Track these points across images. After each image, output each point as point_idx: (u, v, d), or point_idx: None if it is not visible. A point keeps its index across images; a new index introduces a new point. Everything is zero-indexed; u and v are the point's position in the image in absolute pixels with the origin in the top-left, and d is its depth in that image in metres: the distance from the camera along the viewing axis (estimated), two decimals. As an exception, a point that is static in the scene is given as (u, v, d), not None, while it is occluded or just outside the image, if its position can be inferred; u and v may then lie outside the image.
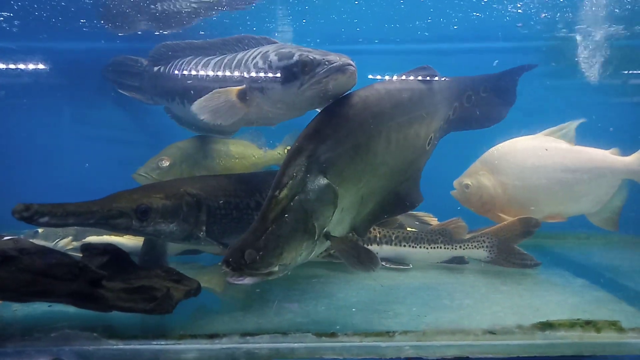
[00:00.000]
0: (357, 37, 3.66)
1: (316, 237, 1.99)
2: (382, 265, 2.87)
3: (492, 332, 1.92)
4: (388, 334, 1.92)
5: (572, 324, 1.95)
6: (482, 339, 1.90)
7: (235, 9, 3.09)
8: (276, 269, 1.91)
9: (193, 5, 3.02)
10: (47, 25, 3.31)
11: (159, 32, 3.25)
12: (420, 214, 3.19)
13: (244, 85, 2.42)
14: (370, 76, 3.44)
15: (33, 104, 3.63)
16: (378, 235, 2.91)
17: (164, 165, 3.14)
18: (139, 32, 3.39)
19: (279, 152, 3.51)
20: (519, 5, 3.16)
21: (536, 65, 2.90)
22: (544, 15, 3.15)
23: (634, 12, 3.17)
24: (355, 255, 2.10)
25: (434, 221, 3.14)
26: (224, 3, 3.00)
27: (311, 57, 2.17)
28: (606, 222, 2.99)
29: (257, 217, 1.96)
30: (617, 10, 3.11)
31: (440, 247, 2.90)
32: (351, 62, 2.13)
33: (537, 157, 2.90)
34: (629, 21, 3.27)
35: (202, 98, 2.46)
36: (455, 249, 2.90)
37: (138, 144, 3.75)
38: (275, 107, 2.37)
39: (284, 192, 1.94)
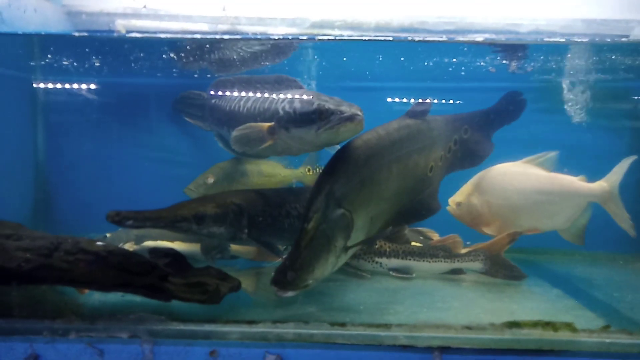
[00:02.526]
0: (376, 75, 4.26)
1: (338, 254, 2.60)
2: (390, 274, 3.40)
3: (468, 328, 2.39)
4: (386, 325, 2.42)
5: (534, 324, 2.41)
6: (460, 333, 2.37)
7: (274, 63, 3.69)
8: (310, 282, 2.53)
9: (243, 55, 3.62)
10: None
11: (216, 74, 3.85)
12: (423, 229, 3.71)
13: (274, 123, 2.99)
14: (389, 99, 4.05)
15: (110, 130, 4.31)
16: (388, 249, 3.42)
17: (209, 181, 3.79)
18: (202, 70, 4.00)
19: (301, 171, 4.12)
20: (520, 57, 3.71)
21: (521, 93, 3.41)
22: (530, 67, 3.70)
23: (613, 62, 3.68)
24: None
25: (435, 236, 3.65)
26: (264, 58, 3.61)
27: (327, 107, 2.71)
28: (574, 237, 3.50)
29: (293, 245, 2.58)
30: (597, 60, 3.64)
31: (441, 261, 3.39)
32: (359, 112, 2.66)
33: (518, 181, 3.43)
34: (608, 70, 3.79)
35: (239, 127, 3.07)
36: (454, 262, 3.38)
37: (190, 164, 4.39)
38: (297, 143, 2.95)
39: (311, 224, 2.53)
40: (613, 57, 3.70)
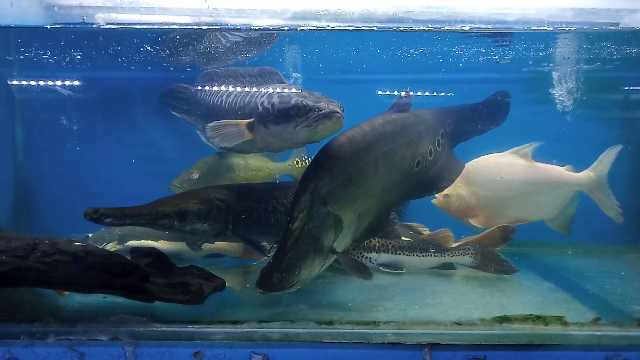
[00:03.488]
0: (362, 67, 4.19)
1: (325, 254, 2.55)
2: (380, 269, 3.35)
3: (458, 324, 2.36)
4: (374, 323, 2.38)
5: (525, 318, 2.38)
6: (450, 329, 2.33)
7: (259, 53, 3.61)
8: (297, 283, 2.48)
9: (227, 46, 3.53)
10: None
11: (201, 67, 3.76)
12: (414, 224, 3.65)
13: (253, 119, 2.91)
14: (379, 92, 4.00)
15: (92, 126, 4.22)
16: (377, 244, 3.37)
17: (194, 177, 3.70)
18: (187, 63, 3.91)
19: (289, 164, 4.04)
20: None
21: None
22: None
23: (602, 52, 3.64)
24: (355, 266, 2.70)
25: (425, 231, 3.60)
26: (248, 48, 3.53)
27: (304, 103, 2.64)
28: (561, 226, 3.51)
29: (278, 246, 2.52)
30: (586, 50, 3.61)
31: (431, 255, 3.35)
32: (338, 110, 2.58)
33: (505, 172, 3.41)
34: (597, 59, 3.76)
35: (215, 122, 2.98)
36: (444, 256, 3.34)
37: (175, 160, 4.30)
38: (276, 140, 2.87)
39: (296, 224, 2.48)
40: (603, 46, 3.66)
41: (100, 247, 3.60)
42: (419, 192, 3.16)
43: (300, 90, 2.82)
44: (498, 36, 3.44)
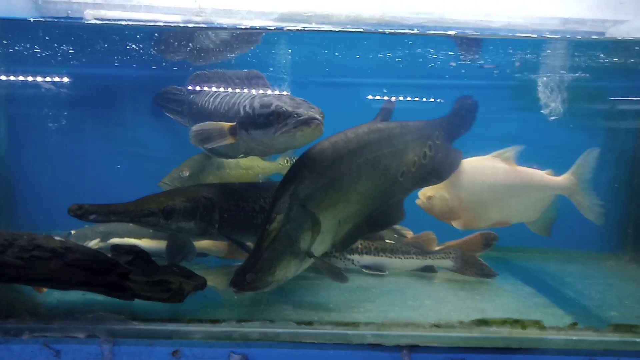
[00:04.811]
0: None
1: (302, 257, 2.55)
2: (363, 271, 3.36)
3: (437, 326, 2.37)
4: (354, 324, 2.37)
5: (503, 322, 2.39)
6: (429, 331, 2.34)
7: (241, 52, 3.61)
8: (271, 284, 2.47)
9: (216, 43, 3.53)
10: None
11: (191, 67, 3.75)
12: (397, 227, 3.67)
13: (235, 123, 2.89)
14: (369, 96, 4.02)
15: (77, 122, 4.18)
16: (360, 246, 3.38)
17: (184, 175, 3.68)
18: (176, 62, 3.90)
19: (280, 163, 4.02)
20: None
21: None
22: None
23: (587, 61, 3.71)
24: (330, 270, 2.73)
25: (409, 233, 3.62)
26: (234, 48, 3.53)
27: (284, 109, 2.61)
28: (541, 229, 3.53)
29: (255, 246, 2.50)
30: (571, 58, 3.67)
31: (413, 257, 3.36)
32: (317, 116, 2.55)
33: (487, 175, 3.45)
34: (582, 68, 3.82)
35: (198, 125, 2.95)
36: (426, 259, 3.36)
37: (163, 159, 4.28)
38: (258, 145, 2.85)
39: (273, 225, 2.47)
40: (588, 55, 3.72)
41: (83, 244, 3.60)
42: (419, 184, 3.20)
43: (282, 96, 2.81)
44: (463, 50, 3.49)
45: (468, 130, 3.49)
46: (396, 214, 3.09)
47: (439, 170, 3.32)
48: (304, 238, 2.53)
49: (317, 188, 2.59)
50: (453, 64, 3.76)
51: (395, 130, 3.10)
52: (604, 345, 2.33)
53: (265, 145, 2.81)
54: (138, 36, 3.52)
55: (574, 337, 2.35)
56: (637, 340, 2.34)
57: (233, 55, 3.63)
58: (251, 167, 3.96)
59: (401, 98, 4.02)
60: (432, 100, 4.09)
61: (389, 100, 3.25)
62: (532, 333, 2.37)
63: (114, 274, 2.35)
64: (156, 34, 3.53)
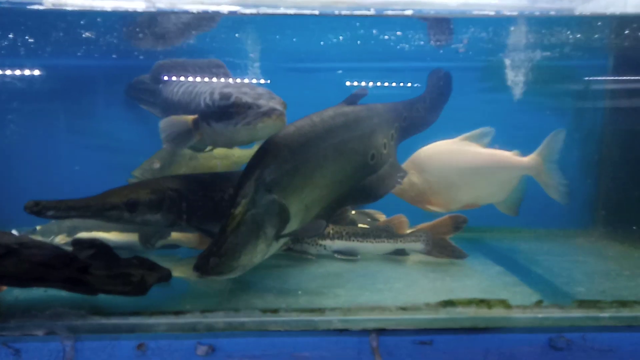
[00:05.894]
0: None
1: (269, 241, 2.50)
2: (335, 257, 3.34)
3: (403, 309, 2.36)
4: (320, 310, 2.35)
5: (469, 302, 2.40)
6: (395, 314, 2.33)
7: (203, 31, 3.51)
8: (236, 269, 2.42)
9: (179, 26, 3.42)
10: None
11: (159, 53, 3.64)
12: (370, 211, 3.67)
13: (197, 116, 2.80)
14: (348, 83, 3.97)
15: (42, 115, 4.04)
16: (331, 231, 3.36)
17: (156, 167, 3.59)
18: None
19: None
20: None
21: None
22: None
23: (555, 40, 3.70)
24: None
25: (382, 217, 3.62)
26: (192, 27, 3.42)
27: (244, 101, 2.53)
28: (509, 209, 3.56)
29: (219, 230, 2.44)
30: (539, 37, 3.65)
31: (384, 241, 3.35)
32: (278, 107, 2.49)
33: (456, 159, 3.46)
34: (550, 47, 3.81)
35: (163, 122, 2.83)
36: (397, 242, 3.35)
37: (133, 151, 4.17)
38: (220, 138, 2.77)
39: (239, 209, 2.43)
40: (556, 34, 3.71)
41: (49, 239, 3.51)
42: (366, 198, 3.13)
43: (243, 86, 2.72)
44: (436, 33, 3.46)
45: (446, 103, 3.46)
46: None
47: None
48: (271, 223, 2.48)
49: (283, 173, 2.56)
50: (422, 42, 3.72)
51: (362, 113, 3.06)
52: (569, 322, 2.34)
53: (228, 138, 2.73)
54: (99, 20, 3.40)
55: (539, 315, 2.36)
56: (601, 315, 2.36)
57: (192, 35, 3.50)
58: (226, 156, 3.87)
59: (363, 83, 3.98)
60: (396, 85, 4.06)
61: (362, 87, 3.21)
62: (498, 312, 2.38)
63: (72, 268, 2.29)
64: (129, 23, 3.41)
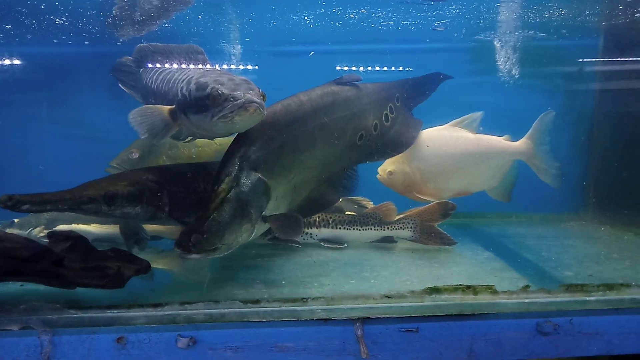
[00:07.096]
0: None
1: (253, 221, 2.41)
2: (321, 245, 3.29)
3: (388, 297, 2.31)
4: (302, 299, 2.30)
5: (455, 289, 2.35)
6: (380, 302, 2.29)
7: (177, 11, 3.39)
8: (220, 247, 2.34)
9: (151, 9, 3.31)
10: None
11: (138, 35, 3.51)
12: (358, 198, 3.59)
13: (174, 106, 2.65)
14: (338, 67, 3.88)
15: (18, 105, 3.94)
16: (317, 219, 3.30)
17: (134, 156, 3.49)
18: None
19: None
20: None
21: (451, 77, 3.33)
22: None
23: (546, 20, 3.62)
24: (286, 224, 2.55)
25: (370, 204, 3.55)
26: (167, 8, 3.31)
27: (220, 92, 2.35)
28: (501, 195, 3.52)
29: (202, 207, 2.36)
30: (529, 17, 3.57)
31: (371, 229, 3.30)
32: (256, 99, 2.30)
33: (447, 145, 3.38)
34: (540, 28, 3.73)
35: (135, 112, 2.62)
36: (384, 229, 3.30)
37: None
38: (198, 130, 2.64)
39: (222, 186, 2.36)
40: (547, 14, 3.63)
41: (27, 232, 3.43)
42: (375, 156, 3.13)
43: (221, 75, 2.57)
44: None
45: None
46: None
47: (399, 137, 3.23)
48: (257, 202, 2.41)
49: (269, 151, 2.48)
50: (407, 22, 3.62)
51: (351, 92, 2.98)
52: (556, 306, 2.31)
53: (206, 130, 2.61)
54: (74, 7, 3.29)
55: (526, 300, 2.32)
56: (588, 299, 2.33)
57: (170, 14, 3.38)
58: (208, 144, 3.76)
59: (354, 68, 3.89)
60: (387, 69, 3.97)
61: (355, 74, 3.11)
62: (485, 298, 2.34)
63: (46, 261, 2.22)
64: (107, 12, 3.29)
